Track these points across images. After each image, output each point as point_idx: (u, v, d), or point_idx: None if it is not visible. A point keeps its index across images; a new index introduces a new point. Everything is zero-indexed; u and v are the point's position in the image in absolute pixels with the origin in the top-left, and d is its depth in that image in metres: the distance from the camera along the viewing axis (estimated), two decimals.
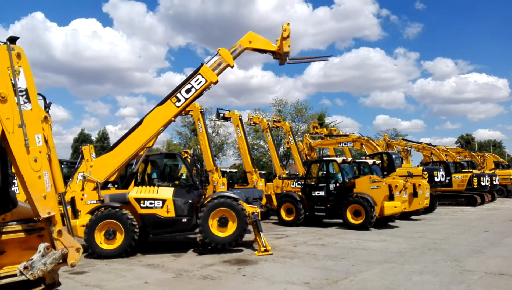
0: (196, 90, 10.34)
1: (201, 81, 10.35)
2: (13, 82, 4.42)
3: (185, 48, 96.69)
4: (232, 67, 10.75)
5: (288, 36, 10.69)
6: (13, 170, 4.83)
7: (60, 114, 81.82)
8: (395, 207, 14.15)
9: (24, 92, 4.52)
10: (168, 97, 10.37)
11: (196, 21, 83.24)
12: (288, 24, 10.71)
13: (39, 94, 4.98)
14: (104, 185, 10.40)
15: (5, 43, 4.48)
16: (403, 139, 31.21)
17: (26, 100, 4.54)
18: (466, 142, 73.15)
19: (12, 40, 4.53)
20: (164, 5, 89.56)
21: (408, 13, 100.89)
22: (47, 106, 5.21)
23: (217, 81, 10.52)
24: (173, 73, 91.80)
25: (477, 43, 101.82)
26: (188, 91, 10.33)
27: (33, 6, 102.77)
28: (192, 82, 10.35)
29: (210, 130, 45.56)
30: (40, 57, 78.25)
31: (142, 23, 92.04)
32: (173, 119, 10.48)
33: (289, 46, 10.77)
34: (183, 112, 19.41)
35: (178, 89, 10.37)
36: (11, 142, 4.45)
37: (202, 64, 10.49)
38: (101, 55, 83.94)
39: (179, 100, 10.30)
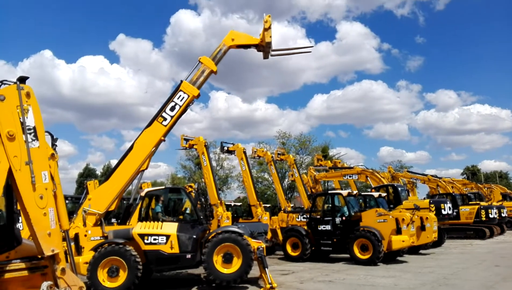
0: (180, 106, 10.54)
1: (183, 97, 10.56)
2: (21, 120, 4.50)
3: None
4: (215, 73, 10.96)
5: (269, 28, 10.92)
6: (19, 207, 4.84)
7: (66, 149, 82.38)
8: (403, 241, 13.89)
9: (32, 130, 4.60)
10: (155, 118, 10.55)
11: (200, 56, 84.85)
12: (269, 16, 10.97)
13: (46, 131, 5.06)
14: (106, 217, 10.35)
15: (15, 82, 4.60)
16: (408, 171, 30.97)
17: (34, 138, 4.61)
18: (472, 173, 72.55)
19: (22, 80, 4.65)
20: (170, 42, 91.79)
21: (409, 46, 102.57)
22: (54, 143, 5.29)
23: (199, 95, 10.72)
24: None
25: (479, 75, 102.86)
26: (172, 108, 10.52)
27: (42, 44, 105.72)
28: (175, 99, 10.56)
29: (214, 163, 45.61)
30: (48, 93, 79.65)
31: (148, 60, 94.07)
32: (162, 138, 10.60)
33: (270, 36, 10.98)
34: (187, 146, 19.69)
35: (162, 108, 10.57)
36: (17, 179, 4.48)
37: (181, 81, 10.72)
38: (108, 91, 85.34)
39: (165, 119, 10.47)
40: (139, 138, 10.50)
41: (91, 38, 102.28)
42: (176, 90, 10.65)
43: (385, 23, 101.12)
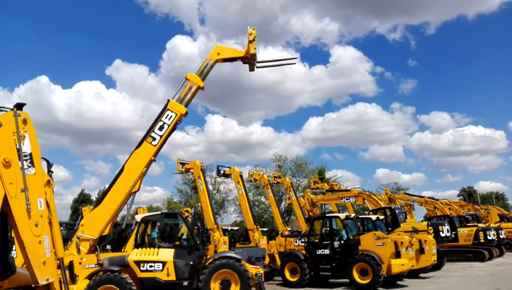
0: (169, 126, 10.58)
1: (171, 116, 10.61)
2: (18, 147, 4.48)
3: None
4: (202, 88, 11.02)
5: (253, 40, 11.12)
6: (13, 235, 4.75)
7: (61, 174, 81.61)
8: (403, 264, 13.71)
9: (28, 157, 4.57)
10: (144, 138, 10.55)
11: None
12: (254, 28, 11.19)
13: (42, 157, 5.02)
14: (100, 243, 10.20)
15: (12, 109, 4.60)
16: (405, 193, 30.93)
17: (30, 165, 4.57)
18: (469, 194, 72.45)
19: (19, 106, 4.65)
20: (166, 67, 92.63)
21: (402, 69, 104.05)
22: (50, 170, 5.25)
23: (187, 113, 10.75)
24: (175, 131, 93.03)
25: (472, 96, 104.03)
26: (161, 128, 10.55)
27: (38, 70, 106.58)
28: (163, 118, 10.61)
29: (210, 187, 45.28)
30: (44, 118, 79.54)
31: (144, 85, 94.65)
32: (153, 158, 10.57)
33: (255, 48, 11.16)
34: (183, 170, 19.59)
35: (151, 128, 10.59)
36: (13, 206, 4.42)
37: (168, 101, 10.78)
38: (104, 116, 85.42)
39: (154, 139, 10.48)
40: (130, 159, 10.45)
41: (88, 64, 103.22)
42: (164, 109, 10.71)
43: (377, 47, 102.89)
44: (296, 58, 12.72)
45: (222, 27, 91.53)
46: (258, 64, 11.65)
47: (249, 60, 11.42)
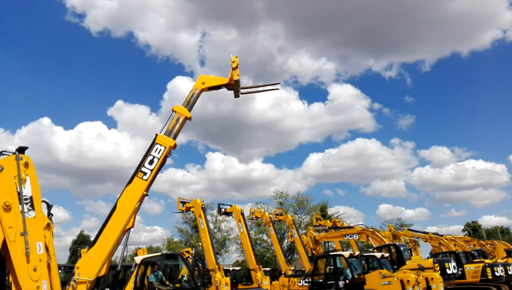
0: (159, 159, 10.58)
1: (160, 150, 10.63)
2: (18, 190, 4.49)
3: (186, 145, 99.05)
4: (190, 119, 11.09)
5: (236, 67, 11.26)
6: (11, 280, 4.67)
7: (61, 215, 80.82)
8: None
9: (28, 200, 4.57)
10: (135, 174, 10.52)
11: (197, 119, 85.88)
12: (236, 56, 11.35)
13: (43, 200, 5.01)
14: (97, 285, 9.95)
15: (14, 153, 4.64)
16: (409, 229, 30.46)
17: (30, 208, 4.57)
18: (473, 229, 71.44)
19: (21, 150, 4.70)
20: (166, 107, 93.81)
21: (399, 106, 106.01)
22: (50, 213, 5.22)
23: (175, 145, 10.78)
24: (175, 169, 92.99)
25: (470, 131, 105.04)
26: (151, 162, 10.55)
27: (41, 112, 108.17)
28: (152, 152, 10.63)
29: (211, 226, 44.76)
30: (45, 159, 79.97)
31: (145, 124, 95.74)
32: (145, 193, 10.49)
33: (238, 75, 11.30)
34: (184, 209, 19.43)
35: (141, 163, 10.58)
36: (11, 251, 4.38)
37: (156, 135, 10.86)
38: (105, 156, 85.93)
39: (145, 174, 10.44)
40: (122, 196, 10.40)
41: (90, 105, 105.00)
42: (152, 143, 10.80)
43: (374, 85, 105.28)
44: (279, 83, 12.91)
45: (221, 67, 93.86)
46: (242, 90, 11.88)
47: (233, 86, 11.68)
